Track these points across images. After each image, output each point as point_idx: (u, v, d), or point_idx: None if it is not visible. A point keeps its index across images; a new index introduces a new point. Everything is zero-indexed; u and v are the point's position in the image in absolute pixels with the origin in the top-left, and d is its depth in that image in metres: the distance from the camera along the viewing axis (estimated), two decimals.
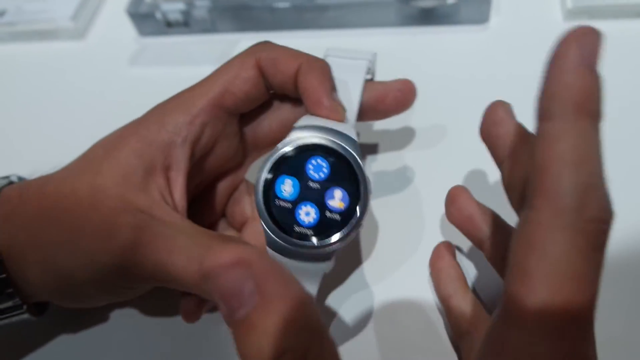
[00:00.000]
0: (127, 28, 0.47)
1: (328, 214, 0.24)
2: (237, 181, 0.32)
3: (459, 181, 0.34)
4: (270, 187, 0.25)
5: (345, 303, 0.30)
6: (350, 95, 0.28)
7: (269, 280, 0.16)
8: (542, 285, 0.17)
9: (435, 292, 0.29)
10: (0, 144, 0.43)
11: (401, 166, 0.35)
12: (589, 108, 0.18)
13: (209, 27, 0.46)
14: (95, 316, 0.32)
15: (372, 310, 0.30)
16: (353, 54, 0.30)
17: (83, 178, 0.25)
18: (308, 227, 0.24)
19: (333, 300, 0.30)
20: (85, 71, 0.47)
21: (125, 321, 0.31)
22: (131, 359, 0.30)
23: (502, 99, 0.24)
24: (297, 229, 0.24)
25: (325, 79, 0.27)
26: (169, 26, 0.46)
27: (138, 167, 0.25)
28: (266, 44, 0.29)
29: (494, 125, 0.24)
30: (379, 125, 0.37)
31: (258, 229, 0.29)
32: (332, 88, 0.27)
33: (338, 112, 0.26)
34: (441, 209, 0.28)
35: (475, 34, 0.42)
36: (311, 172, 0.25)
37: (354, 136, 0.25)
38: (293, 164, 0.25)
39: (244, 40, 0.45)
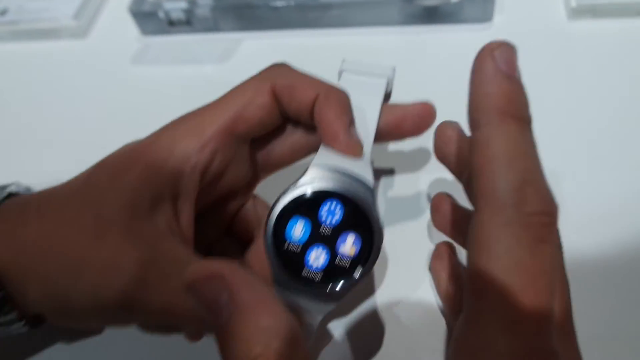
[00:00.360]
0: (130, 27, 0.47)
1: (338, 259, 0.24)
2: (243, 200, 0.31)
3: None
4: (281, 227, 0.24)
5: (354, 329, 0.29)
6: (367, 123, 0.27)
7: (242, 291, 0.18)
8: (493, 284, 0.18)
9: (437, 294, 0.29)
10: (3, 143, 0.43)
11: (413, 182, 0.35)
12: (512, 111, 0.19)
13: (212, 25, 0.46)
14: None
15: (383, 334, 0.29)
16: (371, 70, 0.28)
17: (87, 205, 0.24)
18: (316, 271, 0.24)
19: (343, 323, 0.29)
20: (87, 70, 0.47)
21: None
22: None
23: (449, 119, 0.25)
24: (304, 272, 0.24)
25: (343, 112, 0.25)
26: (172, 25, 0.46)
27: (145, 197, 0.24)
28: (283, 67, 0.28)
29: (445, 144, 0.24)
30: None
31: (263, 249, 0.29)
32: (350, 122, 0.26)
33: (355, 149, 0.25)
34: None
35: (479, 32, 0.42)
36: (324, 216, 0.24)
37: (370, 179, 0.25)
38: (306, 206, 0.24)
39: (247, 39, 0.45)
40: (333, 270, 0.24)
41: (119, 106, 0.43)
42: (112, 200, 0.24)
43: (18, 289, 0.24)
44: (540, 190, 0.18)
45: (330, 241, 0.24)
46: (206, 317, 0.18)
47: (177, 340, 0.30)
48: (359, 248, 0.24)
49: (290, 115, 0.27)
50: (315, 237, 0.24)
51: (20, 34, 0.50)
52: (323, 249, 0.24)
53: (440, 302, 0.29)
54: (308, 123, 0.27)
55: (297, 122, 0.28)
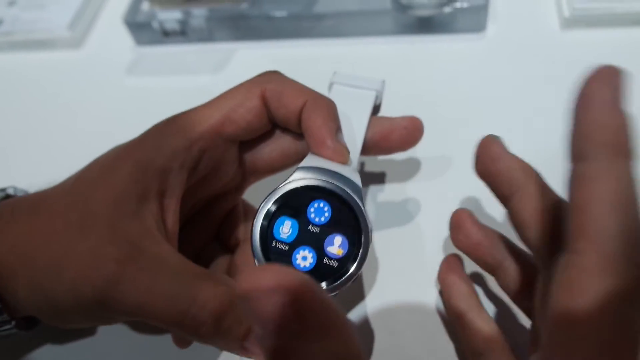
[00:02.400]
0: (124, 37, 0.47)
1: (326, 260, 0.24)
2: (232, 203, 0.31)
3: (460, 203, 0.33)
4: (268, 227, 0.24)
5: None
6: (355, 133, 0.27)
7: (314, 311, 0.15)
8: (590, 334, 0.16)
9: (446, 308, 0.28)
10: None
11: (402, 192, 0.35)
12: (624, 148, 0.17)
13: (206, 36, 0.46)
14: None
15: (373, 345, 0.29)
16: (361, 82, 0.29)
17: (75, 201, 0.25)
18: (304, 271, 0.23)
19: None
20: (82, 81, 0.47)
21: (115, 333, 0.31)
22: None
23: (494, 133, 0.24)
24: None
25: (330, 119, 0.26)
26: (166, 35, 0.46)
27: (132, 193, 0.24)
28: (274, 74, 0.28)
29: (492, 161, 0.23)
30: None
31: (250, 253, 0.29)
32: (337, 128, 0.26)
33: (342, 155, 0.25)
34: (444, 238, 0.28)
35: (472, 42, 0.42)
36: (312, 215, 0.24)
37: (358, 181, 0.25)
38: (294, 206, 0.24)
39: (242, 49, 0.46)
40: (321, 271, 0.23)
41: (114, 117, 0.43)
42: (99, 195, 0.24)
43: (8, 288, 0.24)
44: None
45: (318, 241, 0.24)
46: (255, 330, 0.16)
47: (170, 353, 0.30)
48: (347, 248, 0.24)
49: (278, 121, 0.28)
50: (303, 236, 0.24)
51: (15, 44, 0.50)
52: (311, 249, 0.24)
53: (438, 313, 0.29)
54: (296, 131, 0.27)
55: (285, 129, 0.29)
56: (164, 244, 0.24)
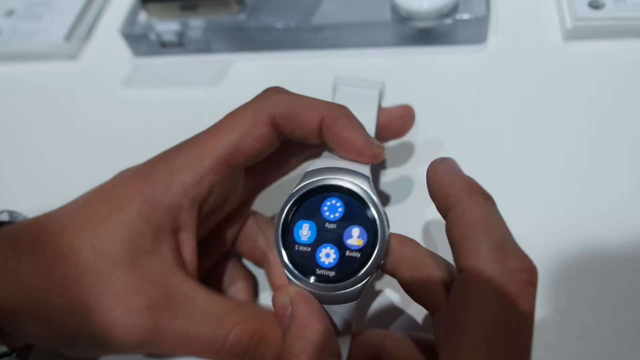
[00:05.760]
0: (121, 48, 0.47)
1: (348, 252, 0.24)
2: (243, 217, 0.31)
3: None
4: (289, 234, 0.25)
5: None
6: (366, 128, 0.28)
7: (300, 309, 0.22)
8: (473, 338, 0.18)
9: None
10: None
11: (403, 182, 0.35)
12: (477, 189, 0.22)
13: (204, 47, 0.46)
14: None
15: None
16: (364, 83, 0.30)
17: (84, 237, 0.24)
18: (329, 268, 0.24)
19: None
20: (79, 92, 0.46)
21: None
22: None
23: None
24: (318, 271, 0.24)
25: (356, 127, 0.25)
26: (164, 46, 0.46)
27: (146, 231, 0.24)
28: (278, 94, 0.27)
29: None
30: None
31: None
32: (365, 133, 0.26)
33: (381, 155, 0.25)
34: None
35: (473, 54, 0.41)
36: (326, 213, 0.25)
37: (365, 172, 0.25)
38: (308, 208, 0.25)
39: (239, 61, 0.45)
40: (345, 264, 0.24)
41: (111, 129, 0.42)
42: (112, 233, 0.24)
43: (13, 324, 0.24)
44: (518, 251, 0.20)
45: (337, 236, 0.24)
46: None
47: None
48: (366, 237, 0.24)
49: (293, 140, 0.27)
50: (323, 235, 0.24)
51: (12, 56, 0.50)
52: (332, 245, 0.24)
53: None
54: (313, 143, 0.27)
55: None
56: (188, 281, 0.25)
